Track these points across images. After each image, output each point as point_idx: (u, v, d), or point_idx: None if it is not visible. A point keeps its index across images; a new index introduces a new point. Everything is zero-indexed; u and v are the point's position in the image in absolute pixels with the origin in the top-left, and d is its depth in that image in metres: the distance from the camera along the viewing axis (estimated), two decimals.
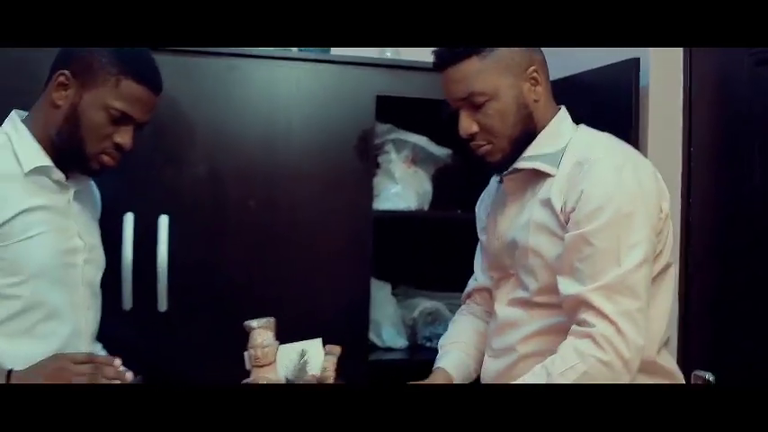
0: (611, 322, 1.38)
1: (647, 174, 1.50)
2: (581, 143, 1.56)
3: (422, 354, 2.46)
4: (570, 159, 1.53)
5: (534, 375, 1.44)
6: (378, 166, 2.47)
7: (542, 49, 1.61)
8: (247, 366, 1.50)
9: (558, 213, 1.49)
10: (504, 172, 1.61)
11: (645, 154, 1.89)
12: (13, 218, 1.49)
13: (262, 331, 1.49)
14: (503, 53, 1.53)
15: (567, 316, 1.48)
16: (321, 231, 2.22)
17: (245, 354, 1.51)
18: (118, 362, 1.44)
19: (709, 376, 1.73)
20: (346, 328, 2.14)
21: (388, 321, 2.50)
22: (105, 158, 1.58)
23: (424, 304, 2.57)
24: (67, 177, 1.62)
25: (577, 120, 1.64)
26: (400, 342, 2.49)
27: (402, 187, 2.42)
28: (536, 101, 1.57)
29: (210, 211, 2.16)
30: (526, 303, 1.58)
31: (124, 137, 1.57)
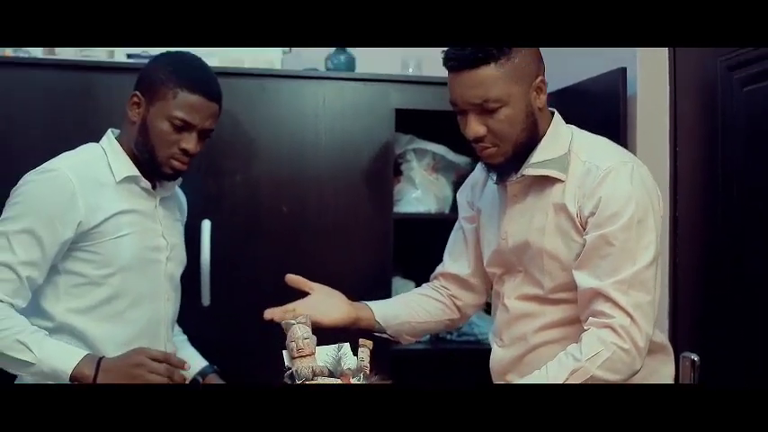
0: (627, 314, 1.49)
1: (650, 180, 1.60)
2: (583, 147, 1.63)
3: (442, 345, 2.64)
4: (578, 164, 1.60)
5: (560, 362, 1.52)
6: (400, 173, 2.65)
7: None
8: (286, 362, 1.54)
9: (574, 218, 1.57)
10: (513, 178, 1.65)
11: (634, 155, 2.04)
12: (107, 219, 1.71)
13: (300, 326, 1.55)
14: (517, 62, 1.55)
15: (581, 307, 1.57)
16: (347, 233, 2.40)
17: (284, 351, 1.55)
18: (187, 366, 1.63)
19: (695, 357, 1.86)
20: None
21: None
22: (175, 163, 1.76)
23: None
24: (155, 186, 1.82)
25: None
26: None
27: (422, 192, 2.60)
28: (540, 109, 1.62)
29: (246, 215, 2.35)
30: (539, 299, 1.66)
31: (189, 142, 1.74)
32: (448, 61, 1.58)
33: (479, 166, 1.83)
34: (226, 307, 2.27)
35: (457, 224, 1.94)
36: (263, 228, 2.36)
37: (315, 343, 1.54)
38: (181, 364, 1.62)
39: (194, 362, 2.03)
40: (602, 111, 2.12)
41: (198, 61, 1.80)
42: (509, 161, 1.64)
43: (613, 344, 1.49)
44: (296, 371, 1.48)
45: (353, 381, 1.46)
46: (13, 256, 1.63)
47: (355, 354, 1.55)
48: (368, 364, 1.53)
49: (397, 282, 2.56)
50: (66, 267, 1.71)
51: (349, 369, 1.50)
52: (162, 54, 1.83)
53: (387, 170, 2.45)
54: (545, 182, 1.63)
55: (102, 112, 2.22)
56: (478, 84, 1.54)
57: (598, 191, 1.54)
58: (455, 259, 1.91)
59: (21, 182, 1.71)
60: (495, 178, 1.72)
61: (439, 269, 1.95)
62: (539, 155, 1.63)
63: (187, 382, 1.96)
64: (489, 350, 1.82)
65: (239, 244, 2.34)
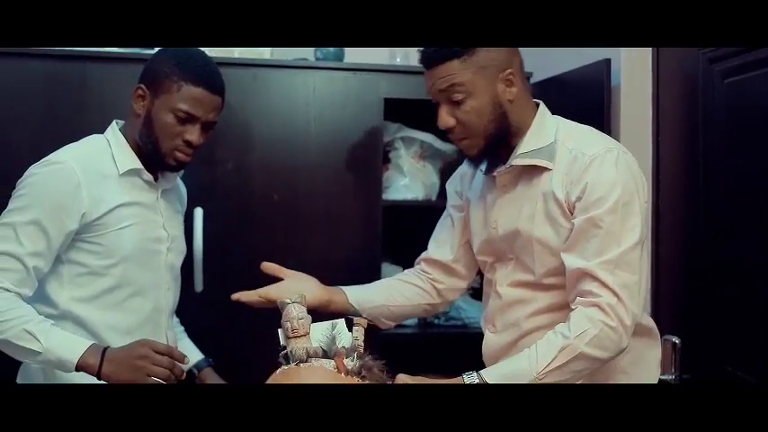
0: (614, 293, 1.53)
1: (635, 166, 1.64)
2: (570, 136, 1.67)
3: (431, 330, 2.70)
4: (564, 152, 1.64)
5: (549, 341, 1.55)
6: (388, 161, 2.70)
7: (522, 52, 1.71)
8: (282, 342, 1.54)
9: (562, 204, 1.62)
10: (500, 169, 1.71)
11: None
12: (109, 211, 1.73)
13: (296, 306, 1.54)
14: (480, 57, 1.62)
15: (569, 288, 1.61)
16: (337, 220, 2.44)
17: (279, 330, 1.55)
18: (187, 359, 1.66)
19: (676, 339, 1.93)
20: None
21: None
22: (179, 155, 1.77)
23: None
24: (157, 178, 1.85)
25: (557, 115, 1.78)
26: (411, 320, 2.68)
27: (410, 180, 2.65)
28: (510, 101, 1.66)
29: (238, 202, 2.39)
30: (531, 285, 1.71)
31: (192, 134, 1.75)
32: (421, 59, 1.69)
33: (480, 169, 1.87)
34: (218, 293, 2.24)
35: (445, 212, 1.98)
36: (255, 215, 2.40)
37: (310, 323, 1.54)
38: (182, 358, 1.63)
39: (191, 355, 2.05)
40: (586, 101, 2.18)
41: (201, 55, 1.81)
42: (483, 153, 1.71)
43: (601, 321, 1.53)
44: (290, 351, 1.48)
45: (347, 360, 1.47)
46: (20, 247, 1.65)
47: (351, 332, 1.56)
48: (362, 344, 1.53)
49: (387, 267, 2.60)
50: (70, 257, 1.73)
51: (343, 347, 1.50)
52: (166, 48, 1.84)
53: (376, 158, 2.49)
54: (533, 171, 1.68)
55: (97, 102, 2.25)
56: (444, 74, 1.64)
57: (584, 176, 1.59)
58: (440, 245, 1.95)
59: (26, 174, 1.72)
60: (484, 169, 1.78)
61: (423, 254, 1.99)
62: (526, 145, 1.68)
63: (189, 364, 2.00)
64: (476, 335, 1.87)
65: (231, 231, 2.37)
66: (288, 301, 1.55)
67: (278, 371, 1.47)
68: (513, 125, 1.69)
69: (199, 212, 2.23)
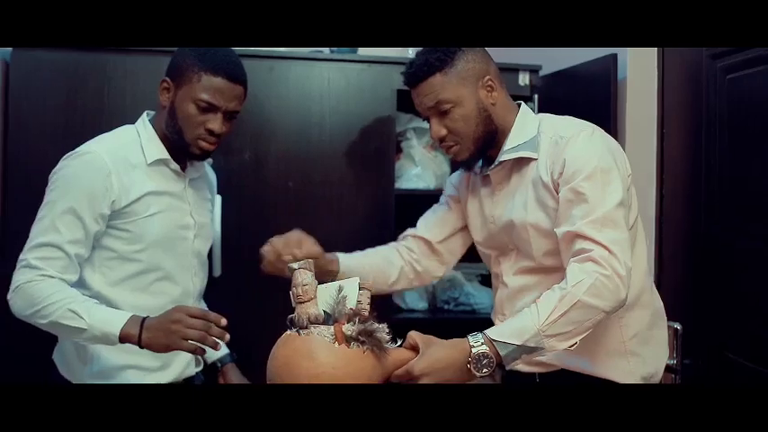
0: (605, 247, 1.57)
1: (613, 142, 1.75)
2: (550, 126, 1.78)
3: (440, 314, 2.76)
4: (546, 141, 1.75)
5: (548, 296, 1.57)
6: (401, 151, 2.75)
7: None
8: (293, 304, 1.54)
9: (548, 186, 1.70)
10: (491, 167, 1.82)
11: (624, 136, 2.14)
12: (138, 199, 1.80)
13: (302, 272, 1.53)
14: (460, 67, 1.75)
15: (563, 256, 1.66)
16: (350, 208, 2.50)
17: (290, 292, 1.54)
18: (224, 321, 1.64)
19: (678, 326, 2.00)
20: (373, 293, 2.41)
21: None
22: (203, 144, 1.83)
23: None
24: (185, 168, 1.91)
25: (565, 108, 1.87)
26: (421, 305, 2.79)
27: (422, 169, 2.70)
28: (493, 104, 1.79)
29: (255, 190, 2.45)
30: (534, 270, 1.79)
31: (214, 123, 1.80)
32: (405, 80, 1.81)
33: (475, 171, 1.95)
34: (235, 277, 2.36)
35: (441, 198, 2.08)
36: (271, 202, 2.46)
37: (315, 287, 1.53)
38: (217, 320, 1.64)
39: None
40: (593, 94, 2.23)
41: (223, 47, 1.85)
42: (474, 155, 1.83)
43: (595, 272, 1.56)
44: (295, 317, 1.49)
45: (347, 326, 1.47)
46: (60, 237, 1.72)
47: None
48: (366, 307, 1.53)
49: None
50: (101, 243, 1.80)
51: (349, 312, 1.50)
52: None
53: (388, 148, 2.55)
54: (522, 164, 1.79)
55: (118, 93, 2.31)
56: (430, 91, 1.76)
57: (562, 155, 1.68)
58: (430, 226, 2.03)
59: (58, 166, 1.79)
60: (479, 170, 1.89)
61: (411, 231, 2.06)
62: (511, 141, 1.80)
63: (215, 355, 2.07)
64: (485, 320, 1.92)
65: (248, 218, 2.43)
66: (295, 266, 1.55)
67: (283, 335, 1.50)
68: (499, 126, 1.81)
69: (218, 200, 2.28)
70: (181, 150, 1.87)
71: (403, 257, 2.03)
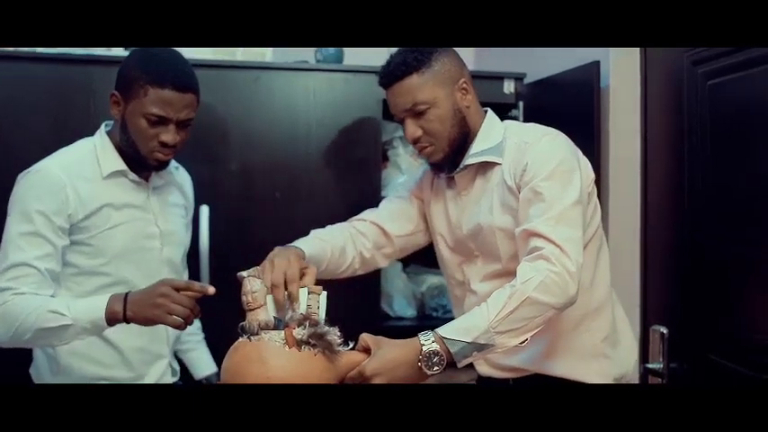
0: (556, 245, 1.59)
1: (573, 146, 1.76)
2: (515, 133, 1.81)
3: (429, 322, 2.74)
4: (511, 146, 1.77)
5: (498, 294, 1.58)
6: (387, 159, 2.77)
7: (516, 54, 1.80)
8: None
9: (513, 189, 1.72)
10: (457, 170, 1.83)
11: (607, 143, 2.16)
12: (95, 212, 1.79)
13: (251, 279, 1.56)
14: (436, 68, 1.76)
15: (520, 254, 1.66)
16: (337, 217, 2.39)
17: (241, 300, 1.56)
18: (211, 290, 1.65)
19: (664, 330, 2.00)
20: (360, 300, 2.42)
21: (399, 294, 2.80)
22: (158, 155, 1.81)
23: (431, 280, 2.85)
24: (149, 176, 1.89)
25: (549, 115, 1.90)
26: (410, 312, 2.79)
27: (408, 177, 2.67)
28: (467, 107, 1.81)
29: (241, 201, 2.45)
30: (501, 274, 1.78)
31: (167, 135, 1.77)
32: (380, 80, 1.81)
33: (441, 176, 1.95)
34: (221, 289, 2.34)
35: (404, 192, 2.05)
36: (257, 213, 2.46)
37: (264, 294, 1.55)
38: (204, 289, 1.64)
39: (206, 366, 2.12)
40: (576, 102, 2.25)
41: (167, 54, 1.81)
42: (447, 157, 1.83)
43: (545, 269, 1.57)
44: (245, 324, 1.51)
45: (298, 330, 1.48)
46: (25, 254, 1.70)
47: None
48: (316, 311, 1.54)
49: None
50: (65, 259, 1.79)
51: (297, 317, 1.51)
52: (134, 50, 1.85)
53: (374, 157, 2.56)
54: (487, 169, 1.81)
55: (103, 106, 2.25)
56: (406, 92, 1.76)
57: (525, 158, 1.71)
58: (394, 218, 2.00)
59: (15, 184, 1.78)
60: (444, 174, 1.89)
61: (371, 216, 2.01)
62: (476, 146, 1.82)
63: (203, 373, 2.09)
64: None
65: (234, 228, 2.43)
66: (244, 274, 1.58)
67: (234, 343, 1.51)
68: (471, 130, 1.83)
69: (205, 210, 2.29)
70: (137, 163, 1.84)
71: (356, 246, 1.97)
